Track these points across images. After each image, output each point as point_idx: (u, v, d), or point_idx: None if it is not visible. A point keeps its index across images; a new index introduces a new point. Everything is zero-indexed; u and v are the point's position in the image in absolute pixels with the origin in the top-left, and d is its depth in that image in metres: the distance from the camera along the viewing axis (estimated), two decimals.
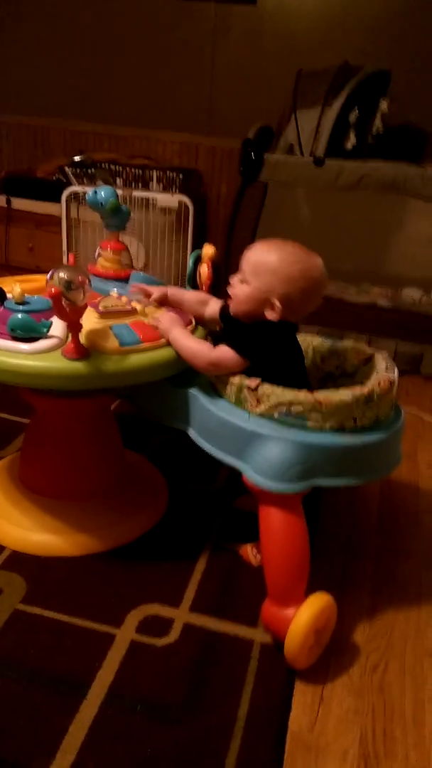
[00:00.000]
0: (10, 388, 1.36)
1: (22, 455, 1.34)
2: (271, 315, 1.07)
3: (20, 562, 1.17)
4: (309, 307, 1.10)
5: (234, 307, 1.13)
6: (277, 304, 1.06)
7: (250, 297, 1.09)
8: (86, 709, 0.91)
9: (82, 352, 0.99)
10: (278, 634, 1.00)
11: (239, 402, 1.05)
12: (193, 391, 1.12)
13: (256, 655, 1.02)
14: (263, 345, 1.08)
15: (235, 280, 1.12)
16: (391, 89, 2.34)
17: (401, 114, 2.40)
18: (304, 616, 0.96)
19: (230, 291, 1.12)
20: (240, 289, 1.10)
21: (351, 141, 2.30)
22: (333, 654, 1.04)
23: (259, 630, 1.06)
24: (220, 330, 1.20)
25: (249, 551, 1.23)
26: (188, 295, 1.25)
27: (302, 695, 0.97)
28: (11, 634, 1.02)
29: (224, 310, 1.17)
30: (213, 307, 1.23)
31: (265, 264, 1.07)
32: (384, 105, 2.32)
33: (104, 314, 1.10)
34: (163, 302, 1.23)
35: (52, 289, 0.90)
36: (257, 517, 1.04)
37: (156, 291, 1.22)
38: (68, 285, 0.91)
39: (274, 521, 1.01)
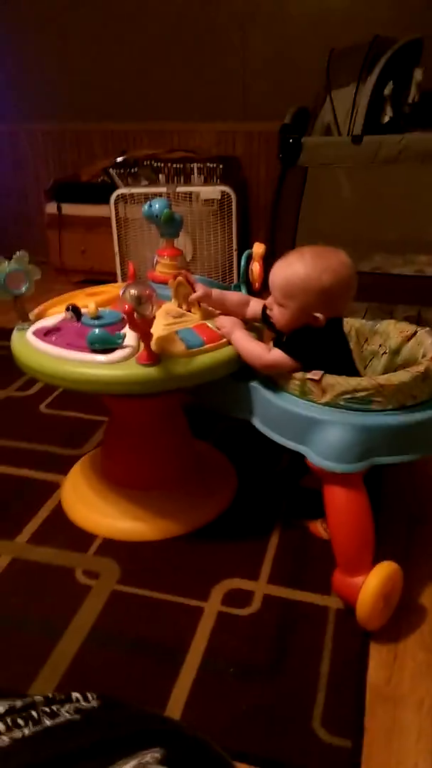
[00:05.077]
0: None
1: (103, 451, 1.47)
2: (316, 324, 1.13)
3: (112, 548, 1.31)
4: (349, 298, 1.15)
5: (279, 327, 1.18)
6: (320, 316, 1.12)
7: (292, 318, 1.14)
8: (185, 673, 1.03)
9: (154, 358, 1.10)
10: (349, 600, 1.09)
11: (304, 394, 1.13)
12: (254, 384, 1.21)
13: (332, 620, 1.12)
14: (313, 347, 1.14)
15: (270, 302, 1.17)
16: (425, 57, 2.33)
17: None
18: (372, 583, 1.05)
19: (270, 314, 1.18)
20: (279, 312, 1.15)
21: (387, 114, 2.31)
22: (403, 615, 1.13)
23: (333, 597, 1.16)
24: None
25: (319, 526, 1.32)
26: (230, 296, 1.30)
27: (378, 653, 1.07)
28: (112, 612, 1.15)
29: (266, 311, 1.22)
30: (254, 307, 1.28)
31: (294, 285, 1.11)
32: (418, 74, 2.31)
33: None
34: (207, 303, 1.27)
35: (126, 306, 1.00)
36: (322, 494, 1.13)
37: (200, 288, 1.25)
38: (138, 300, 1.01)
39: (338, 499, 1.10)
